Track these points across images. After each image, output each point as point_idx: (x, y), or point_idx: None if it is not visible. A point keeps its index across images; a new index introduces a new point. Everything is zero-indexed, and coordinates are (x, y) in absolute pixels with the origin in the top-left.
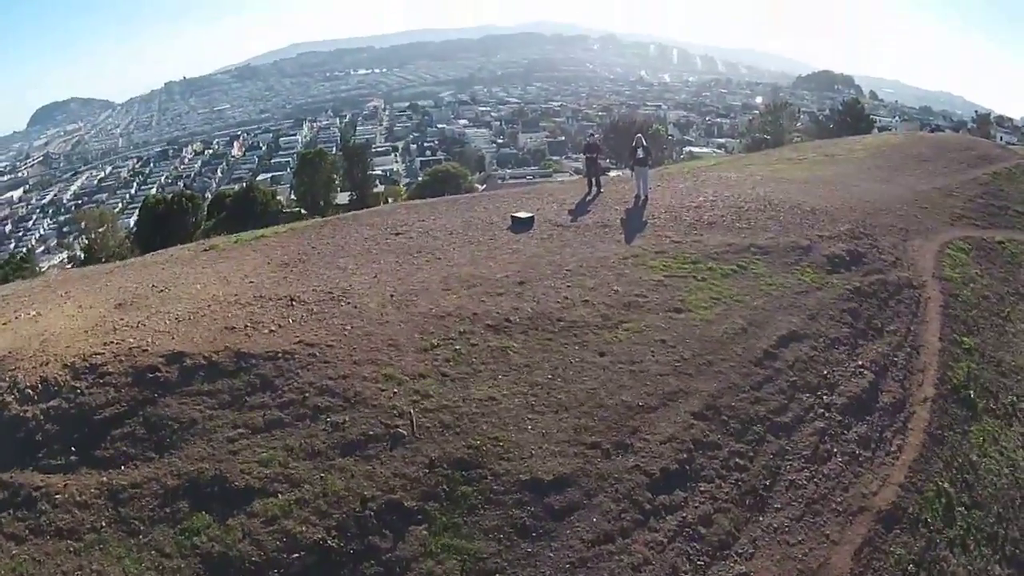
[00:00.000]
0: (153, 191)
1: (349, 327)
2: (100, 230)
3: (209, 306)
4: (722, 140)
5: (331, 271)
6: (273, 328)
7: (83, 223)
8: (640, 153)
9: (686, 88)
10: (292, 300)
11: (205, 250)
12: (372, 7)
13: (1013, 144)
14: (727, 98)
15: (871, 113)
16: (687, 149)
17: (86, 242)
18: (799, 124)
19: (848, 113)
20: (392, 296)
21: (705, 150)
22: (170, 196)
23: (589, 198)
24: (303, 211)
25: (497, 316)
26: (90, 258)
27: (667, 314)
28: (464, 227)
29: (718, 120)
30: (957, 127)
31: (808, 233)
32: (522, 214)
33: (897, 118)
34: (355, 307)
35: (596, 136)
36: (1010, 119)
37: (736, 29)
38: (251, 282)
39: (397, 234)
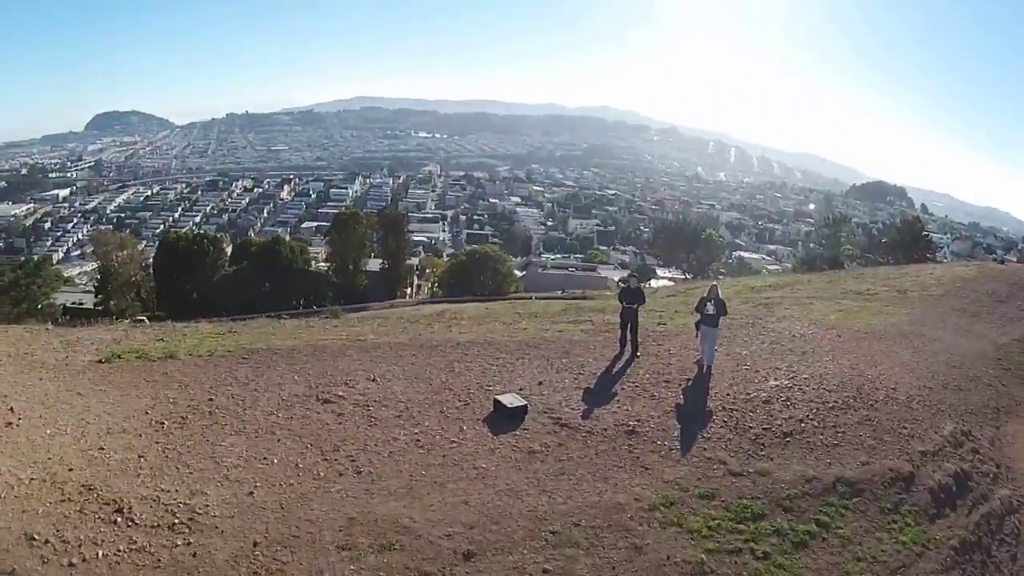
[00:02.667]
0: (198, 219)
1: None
2: (118, 255)
3: (26, 485)
4: (773, 247)
5: (200, 458)
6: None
7: (102, 243)
8: (710, 308)
9: (740, 189)
10: (119, 511)
11: (100, 361)
12: (441, 72)
13: None
14: (780, 202)
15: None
16: (736, 254)
17: (102, 265)
18: (853, 238)
19: (907, 233)
20: (257, 545)
21: (755, 256)
22: (192, 235)
23: (619, 367)
24: (331, 272)
25: None
26: (104, 284)
27: None
28: (424, 405)
29: (770, 225)
30: (1008, 247)
31: (909, 447)
32: (509, 399)
33: (948, 235)
34: (193, 554)
35: (637, 279)
36: None
37: (794, 131)
38: (101, 448)
39: (326, 401)
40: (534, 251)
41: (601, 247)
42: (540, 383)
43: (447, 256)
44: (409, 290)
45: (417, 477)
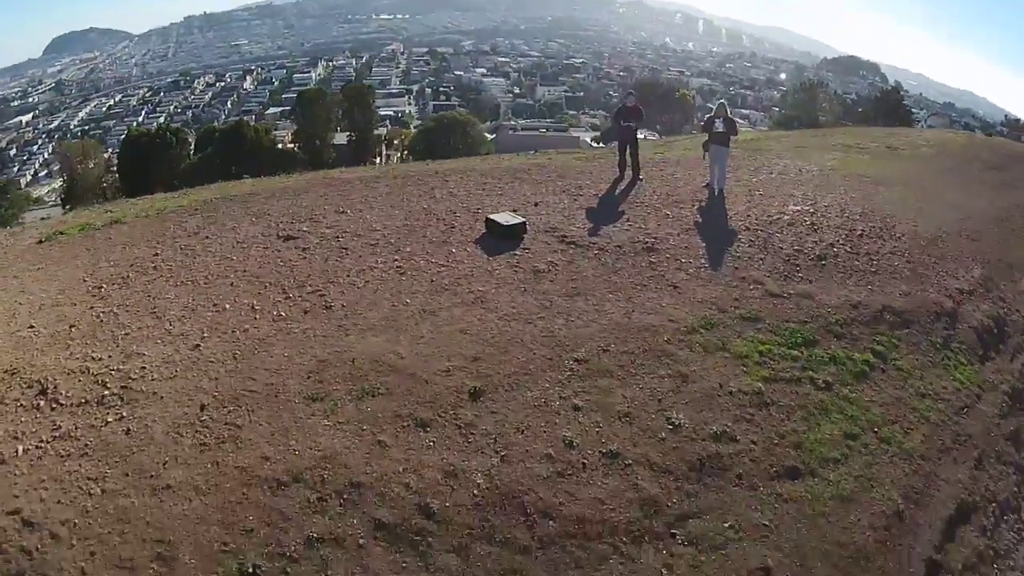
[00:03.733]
0: (162, 119)
1: (97, 493)
2: (82, 164)
3: None
4: (746, 111)
5: (139, 316)
6: None
7: (67, 155)
8: (719, 126)
9: (710, 57)
10: (43, 392)
11: (41, 241)
12: None
13: None
14: (751, 71)
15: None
16: (706, 116)
17: (68, 176)
18: (826, 106)
19: (885, 102)
20: (204, 408)
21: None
22: (154, 129)
23: (622, 188)
24: (298, 150)
25: (404, 501)
26: (71, 194)
27: (776, 485)
28: (403, 232)
29: (742, 91)
30: (986, 129)
31: (946, 284)
32: (504, 217)
33: (924, 111)
34: (127, 431)
35: (635, 96)
36: None
37: (765, 5)
38: (31, 327)
39: (287, 238)
40: (503, 117)
41: (570, 112)
42: (536, 204)
43: (414, 127)
44: (378, 160)
45: (400, 307)
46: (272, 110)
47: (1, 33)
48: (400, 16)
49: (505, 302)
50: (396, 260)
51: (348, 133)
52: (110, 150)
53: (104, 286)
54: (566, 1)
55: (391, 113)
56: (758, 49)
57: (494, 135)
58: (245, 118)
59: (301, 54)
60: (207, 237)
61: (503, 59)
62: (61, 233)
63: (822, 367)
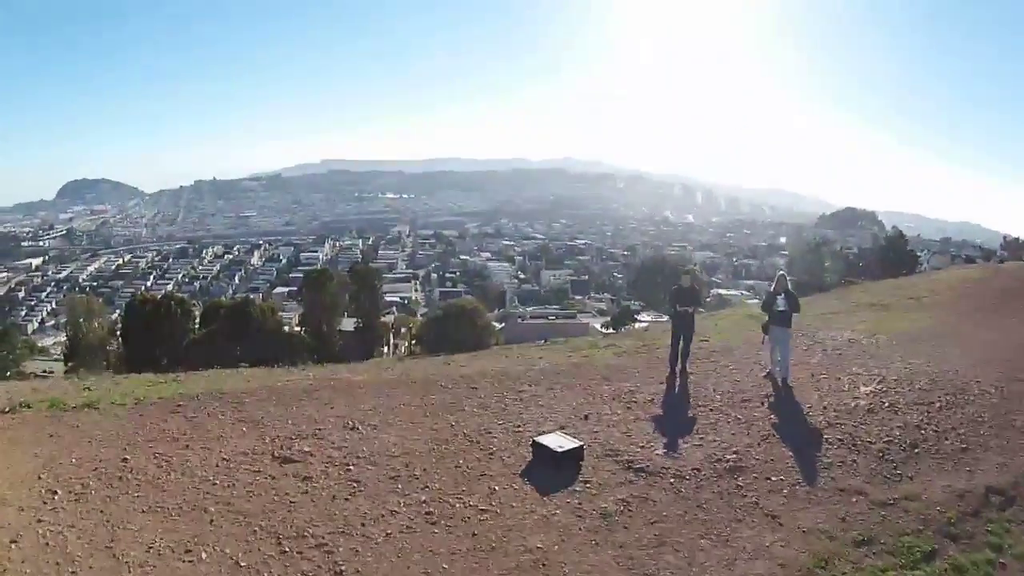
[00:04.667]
0: (169, 287)
1: None
2: (87, 322)
3: None
4: (750, 282)
5: (96, 550)
6: None
7: (72, 310)
8: (781, 304)
9: (710, 229)
10: None
11: (3, 411)
12: (405, 132)
13: None
14: (751, 239)
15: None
16: (715, 291)
17: (71, 332)
18: (828, 265)
19: (891, 249)
20: None
21: (733, 292)
22: (159, 297)
23: (678, 388)
24: (304, 334)
25: None
26: (74, 351)
27: None
28: (430, 459)
29: (745, 261)
30: (987, 256)
31: None
32: (555, 440)
33: (925, 252)
34: None
35: (689, 274)
36: None
37: (759, 169)
38: None
39: (285, 460)
40: (508, 304)
41: (576, 296)
42: (586, 417)
43: (421, 315)
44: (386, 349)
45: None
46: (279, 289)
47: (16, 169)
48: (405, 196)
49: (574, 565)
50: (424, 501)
51: (355, 320)
52: (117, 311)
53: (60, 492)
54: (567, 179)
55: (397, 299)
56: (757, 215)
57: (502, 324)
58: (252, 296)
59: (308, 231)
60: (187, 446)
61: (508, 242)
62: (28, 406)
63: None
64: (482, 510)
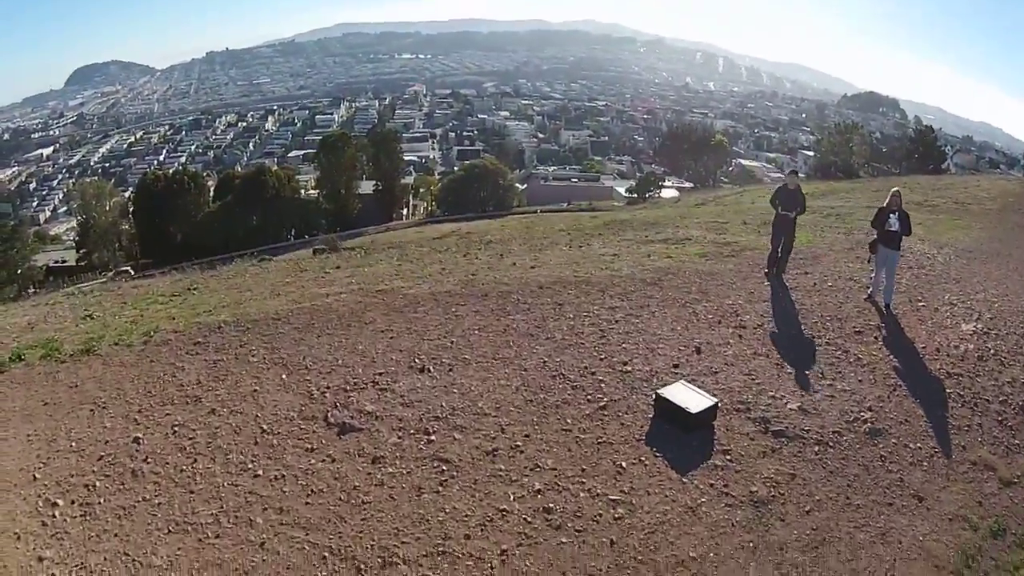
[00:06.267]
0: (183, 159)
1: None
2: (96, 204)
3: None
4: (772, 154)
5: None
6: None
7: (81, 195)
8: (893, 223)
9: (731, 98)
10: None
11: None
12: None
13: None
14: (773, 111)
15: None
16: (736, 161)
17: (82, 217)
18: (865, 147)
19: (921, 143)
20: None
21: (756, 164)
22: (170, 173)
23: (781, 307)
24: (321, 199)
25: None
26: (86, 237)
27: None
28: (529, 417)
29: (766, 133)
30: (1010, 163)
31: None
32: (687, 397)
33: (949, 148)
34: None
35: (795, 174)
36: None
37: (782, 42)
38: None
39: (343, 428)
40: (528, 164)
41: (596, 157)
42: (698, 350)
43: (438, 174)
44: (405, 211)
45: None
46: (295, 153)
47: (23, 63)
48: (422, 56)
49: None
50: (538, 491)
51: (374, 182)
52: (130, 190)
53: (61, 503)
54: (587, 41)
55: (415, 158)
56: (778, 87)
57: (525, 185)
58: (267, 162)
59: (323, 94)
60: (213, 411)
61: (526, 102)
62: (19, 358)
63: None
64: (613, 501)
